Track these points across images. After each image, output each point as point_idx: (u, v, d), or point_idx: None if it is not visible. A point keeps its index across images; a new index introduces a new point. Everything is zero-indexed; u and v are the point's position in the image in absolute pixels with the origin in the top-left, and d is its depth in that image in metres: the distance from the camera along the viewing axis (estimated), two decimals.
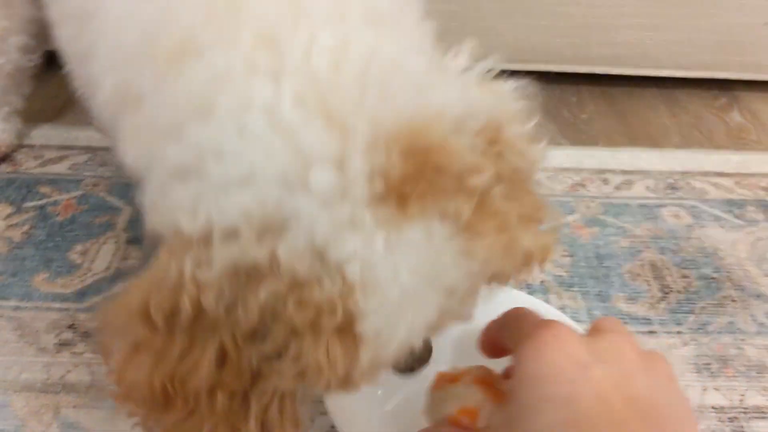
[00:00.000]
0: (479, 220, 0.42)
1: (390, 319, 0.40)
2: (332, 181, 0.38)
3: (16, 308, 0.86)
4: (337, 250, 0.38)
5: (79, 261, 0.93)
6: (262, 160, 0.38)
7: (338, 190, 0.38)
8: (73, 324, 0.84)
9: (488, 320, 0.56)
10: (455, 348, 0.69)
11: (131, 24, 0.44)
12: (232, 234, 0.38)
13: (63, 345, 0.81)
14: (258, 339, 0.40)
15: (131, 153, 0.45)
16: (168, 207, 0.40)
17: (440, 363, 0.61)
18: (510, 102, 0.46)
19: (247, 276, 0.38)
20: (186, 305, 0.38)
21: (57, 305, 0.86)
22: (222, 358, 0.40)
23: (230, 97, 0.39)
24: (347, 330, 0.39)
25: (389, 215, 0.39)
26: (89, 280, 0.90)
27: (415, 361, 0.56)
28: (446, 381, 0.59)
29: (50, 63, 1.23)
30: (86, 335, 0.82)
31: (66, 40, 0.58)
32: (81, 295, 0.88)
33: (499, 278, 0.46)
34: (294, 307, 0.38)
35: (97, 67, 0.47)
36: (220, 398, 0.41)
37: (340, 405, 0.66)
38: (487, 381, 0.56)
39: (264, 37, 0.41)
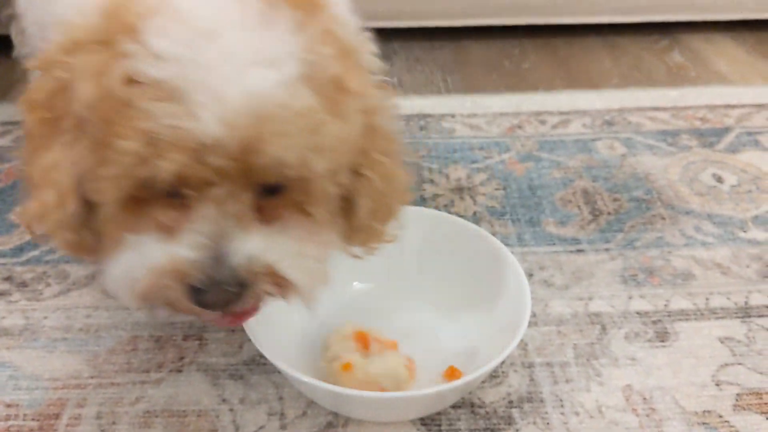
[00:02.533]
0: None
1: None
2: None
3: None
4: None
5: (18, 221, 0.94)
6: None
7: None
8: (9, 276, 0.85)
9: None
10: None
11: None
12: None
13: None
14: None
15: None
16: None
17: None
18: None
19: None
20: None
21: None
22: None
23: None
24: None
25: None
26: (27, 237, 0.91)
27: (213, 276, 0.49)
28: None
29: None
30: (22, 285, 0.84)
31: None
32: (18, 250, 0.89)
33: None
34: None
35: None
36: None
37: (261, 330, 0.67)
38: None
39: None
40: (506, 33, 1.46)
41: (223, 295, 0.49)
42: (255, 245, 0.50)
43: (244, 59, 0.47)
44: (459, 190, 1.01)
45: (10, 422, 0.68)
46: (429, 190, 1.01)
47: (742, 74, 1.34)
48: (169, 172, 0.47)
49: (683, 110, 1.21)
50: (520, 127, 1.16)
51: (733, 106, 1.21)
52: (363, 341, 0.69)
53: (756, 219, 0.95)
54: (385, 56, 1.47)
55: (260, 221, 0.52)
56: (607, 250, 0.90)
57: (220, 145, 0.47)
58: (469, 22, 1.41)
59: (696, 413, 0.69)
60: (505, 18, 1.42)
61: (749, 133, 1.14)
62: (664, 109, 1.21)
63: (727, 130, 1.15)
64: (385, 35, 1.54)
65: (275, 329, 0.70)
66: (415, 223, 0.80)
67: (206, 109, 0.46)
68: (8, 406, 0.70)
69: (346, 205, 0.59)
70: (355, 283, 0.80)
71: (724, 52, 1.42)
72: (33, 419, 0.69)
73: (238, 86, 0.47)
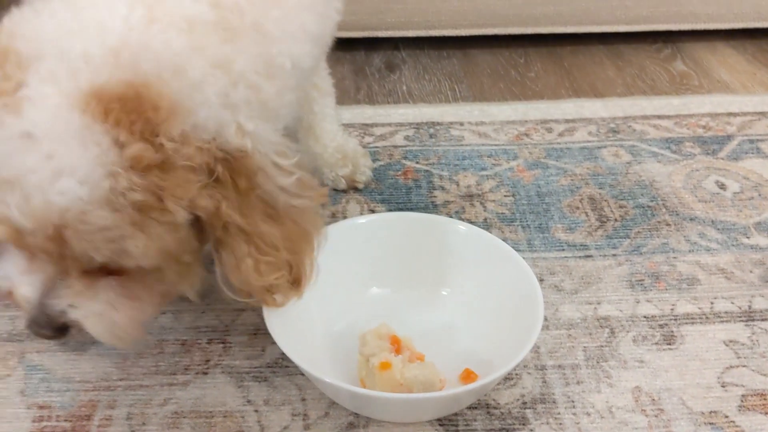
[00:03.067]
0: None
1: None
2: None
3: None
4: None
5: None
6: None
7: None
8: None
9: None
10: None
11: None
12: None
13: None
14: None
15: None
16: None
17: None
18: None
19: None
20: None
21: None
22: None
23: None
24: None
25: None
26: None
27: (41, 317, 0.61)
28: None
29: None
30: None
31: None
32: None
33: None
34: None
35: None
36: None
37: (283, 333, 0.70)
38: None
39: None
40: (512, 42, 1.49)
41: (41, 333, 0.62)
42: (67, 302, 0.61)
43: (53, 170, 0.53)
44: (469, 196, 1.04)
45: (44, 423, 0.71)
46: (440, 197, 1.04)
47: (744, 83, 1.37)
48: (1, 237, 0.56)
49: (686, 118, 1.24)
50: (527, 134, 1.19)
51: (735, 114, 1.25)
52: (396, 346, 0.71)
53: (758, 225, 0.98)
54: (394, 65, 1.50)
55: (86, 279, 0.61)
56: (614, 255, 0.93)
57: (33, 233, 0.55)
58: (476, 31, 1.44)
59: (702, 413, 0.72)
60: (511, 27, 1.45)
61: (751, 141, 1.17)
62: (668, 117, 1.24)
63: (729, 137, 1.18)
64: (393, 45, 1.58)
65: (297, 332, 0.73)
66: (430, 230, 0.83)
67: (15, 205, 0.54)
68: (41, 407, 0.73)
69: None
70: (373, 288, 0.83)
71: (725, 60, 1.45)
72: (65, 420, 0.71)
73: (42, 194, 0.53)
